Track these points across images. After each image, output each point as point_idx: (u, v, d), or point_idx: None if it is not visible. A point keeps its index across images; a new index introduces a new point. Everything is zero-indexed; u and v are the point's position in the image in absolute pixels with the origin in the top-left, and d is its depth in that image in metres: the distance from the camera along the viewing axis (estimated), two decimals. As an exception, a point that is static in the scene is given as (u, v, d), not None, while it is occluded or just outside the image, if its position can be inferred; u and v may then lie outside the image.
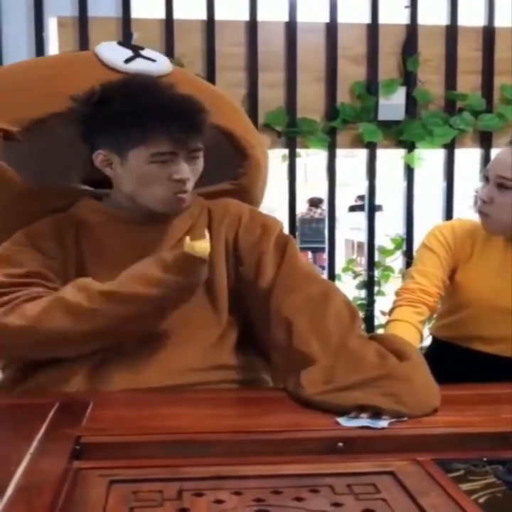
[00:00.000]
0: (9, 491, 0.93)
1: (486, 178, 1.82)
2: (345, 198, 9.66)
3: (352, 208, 9.40)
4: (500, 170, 1.77)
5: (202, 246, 1.37)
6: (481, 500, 1.00)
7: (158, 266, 1.39)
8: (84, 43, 3.02)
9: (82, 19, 3.04)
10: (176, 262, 1.38)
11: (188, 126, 1.44)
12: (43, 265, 1.50)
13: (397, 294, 1.92)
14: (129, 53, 1.68)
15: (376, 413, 1.24)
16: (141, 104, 1.43)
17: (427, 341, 2.07)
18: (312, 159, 9.03)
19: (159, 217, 1.56)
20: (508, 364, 1.80)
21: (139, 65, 1.63)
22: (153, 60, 1.70)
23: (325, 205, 3.58)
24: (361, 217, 3.46)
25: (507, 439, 1.18)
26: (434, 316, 1.98)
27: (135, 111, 1.43)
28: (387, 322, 1.88)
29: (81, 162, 1.67)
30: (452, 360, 1.89)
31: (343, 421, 1.23)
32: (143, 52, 1.71)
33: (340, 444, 1.15)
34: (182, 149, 1.45)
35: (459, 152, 3.35)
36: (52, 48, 3.07)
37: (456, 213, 3.46)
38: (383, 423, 1.21)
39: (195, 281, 1.43)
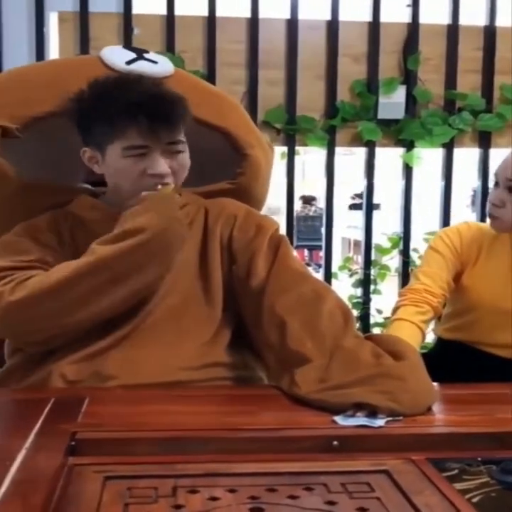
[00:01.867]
0: (4, 486, 0.93)
1: (495, 183, 1.84)
2: (342, 197, 9.68)
3: (350, 207, 9.42)
4: (510, 173, 1.79)
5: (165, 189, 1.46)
6: (475, 500, 1.00)
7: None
8: (84, 38, 3.02)
9: (83, 14, 3.04)
10: (146, 202, 1.44)
11: (159, 119, 1.44)
12: (46, 253, 1.52)
13: (401, 294, 1.94)
14: (132, 55, 1.70)
15: (372, 412, 1.24)
16: (111, 99, 1.45)
17: (430, 340, 2.08)
18: (309, 157, 9.04)
19: None
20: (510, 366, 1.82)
21: (140, 67, 1.64)
22: (155, 62, 1.71)
23: (320, 203, 3.59)
24: (358, 215, 3.46)
25: (501, 440, 1.19)
26: (440, 317, 1.99)
27: (106, 106, 1.45)
28: (391, 321, 1.89)
29: (82, 162, 1.69)
30: (459, 360, 1.91)
31: (339, 419, 1.23)
32: (146, 55, 1.73)
33: (336, 442, 1.16)
34: (155, 143, 1.46)
35: (457, 151, 3.36)
36: (53, 42, 3.07)
37: (454, 212, 3.47)
38: (380, 422, 1.22)
39: (168, 217, 1.44)
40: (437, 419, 1.28)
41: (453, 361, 1.92)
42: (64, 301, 1.41)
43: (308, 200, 9.99)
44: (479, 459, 1.13)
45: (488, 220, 1.90)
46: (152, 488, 0.99)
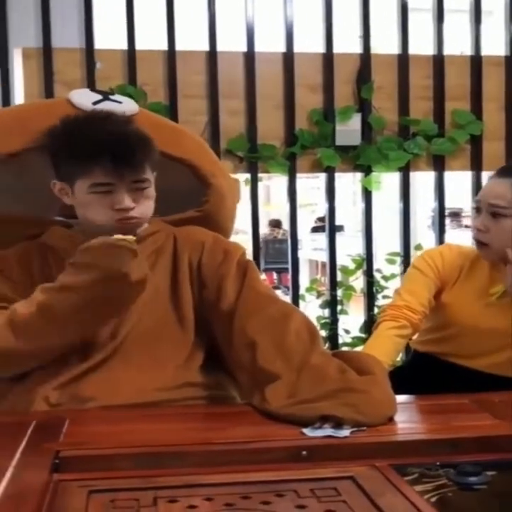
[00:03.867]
0: (-5, 502, 0.98)
1: (476, 209, 1.90)
2: (308, 218, 9.80)
3: (314, 229, 9.54)
4: (493, 199, 1.85)
5: (126, 238, 1.46)
6: (433, 500, 1.08)
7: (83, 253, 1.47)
8: (48, 73, 3.06)
9: (47, 50, 3.08)
10: (99, 247, 1.44)
11: (123, 160, 1.51)
12: (9, 289, 1.57)
13: (382, 310, 2.01)
14: (99, 97, 1.78)
15: (338, 423, 1.31)
16: (79, 137, 1.53)
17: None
18: (274, 181, 9.15)
19: None
20: (485, 379, 1.89)
21: (106, 106, 1.72)
22: (120, 102, 1.80)
23: (287, 226, 3.65)
24: (323, 237, 3.54)
25: (458, 445, 1.27)
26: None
27: (73, 144, 1.53)
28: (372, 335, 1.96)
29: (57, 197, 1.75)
30: (432, 373, 1.98)
31: (307, 431, 1.30)
32: (111, 97, 1.82)
33: (304, 452, 1.23)
34: (120, 181, 1.53)
35: (414, 175, 3.47)
36: (18, 78, 3.11)
37: (414, 233, 3.55)
38: (345, 432, 1.29)
39: (118, 267, 1.44)
40: (399, 428, 1.35)
41: (426, 373, 2.00)
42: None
43: (276, 224, 10.11)
44: (438, 463, 1.20)
45: (466, 242, 1.98)
46: (134, 499, 1.05)
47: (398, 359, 2.09)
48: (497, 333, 1.87)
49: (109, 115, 1.60)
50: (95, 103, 1.75)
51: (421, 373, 2.00)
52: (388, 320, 1.91)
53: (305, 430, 1.30)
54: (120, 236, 1.45)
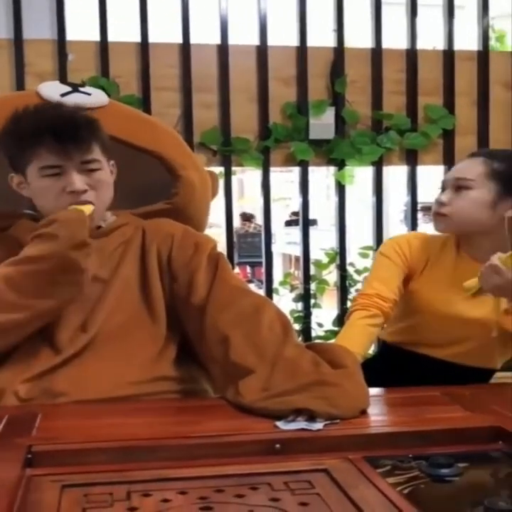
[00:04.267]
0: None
1: (442, 189, 1.93)
2: (282, 212, 9.83)
3: (288, 223, 9.56)
4: (459, 173, 1.89)
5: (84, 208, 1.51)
6: (406, 491, 1.09)
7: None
8: (20, 65, 3.03)
9: (18, 41, 3.05)
10: (53, 226, 1.47)
11: (67, 138, 1.52)
12: None
13: (354, 299, 2.00)
14: (68, 89, 1.77)
15: (311, 416, 1.32)
16: (22, 123, 1.54)
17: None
18: (248, 175, 9.15)
19: (90, 235, 1.63)
20: (452, 369, 1.92)
21: (73, 99, 1.71)
22: (89, 94, 1.78)
23: (259, 220, 3.65)
24: (297, 231, 3.55)
25: (430, 438, 1.28)
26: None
27: (17, 130, 1.54)
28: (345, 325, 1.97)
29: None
30: (401, 364, 2.00)
31: (281, 424, 1.30)
32: (81, 88, 1.81)
33: (278, 445, 1.23)
34: (68, 161, 1.53)
35: (387, 169, 3.48)
36: (-12, 69, 3.08)
37: (389, 227, 3.58)
38: (319, 425, 1.30)
39: (71, 243, 1.46)
40: (372, 421, 1.37)
41: (395, 364, 2.01)
42: None
43: (247, 218, 10.11)
44: (410, 455, 1.22)
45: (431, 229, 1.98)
46: (107, 493, 1.05)
47: (370, 351, 2.09)
48: (464, 321, 1.89)
49: (60, 104, 1.61)
50: (63, 95, 1.73)
51: (391, 365, 2.02)
52: (359, 309, 1.91)
53: (278, 423, 1.31)
54: (77, 206, 1.50)
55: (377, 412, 1.43)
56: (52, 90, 1.76)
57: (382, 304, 1.91)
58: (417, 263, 1.97)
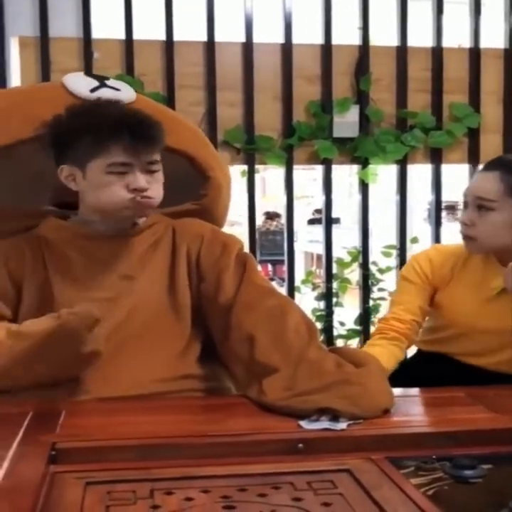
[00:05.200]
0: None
1: (464, 203, 1.89)
2: (304, 210, 9.80)
3: (311, 221, 9.53)
4: (479, 192, 1.83)
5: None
6: (430, 493, 1.08)
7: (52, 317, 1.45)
8: (45, 62, 3.05)
9: (44, 39, 3.07)
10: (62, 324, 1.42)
11: (141, 138, 1.52)
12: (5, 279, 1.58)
13: (377, 322, 2.02)
14: (95, 83, 1.76)
15: (335, 416, 1.32)
16: (97, 119, 1.53)
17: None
18: (270, 173, 9.13)
19: (123, 232, 1.63)
20: (491, 376, 1.87)
21: (104, 94, 1.70)
22: (118, 89, 1.77)
23: (283, 219, 3.64)
24: (319, 230, 3.54)
25: (453, 438, 1.28)
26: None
27: (91, 125, 1.52)
28: None
29: (50, 186, 1.73)
30: (437, 370, 1.96)
31: (304, 424, 1.31)
32: (108, 82, 1.79)
33: (301, 445, 1.24)
34: (136, 160, 1.53)
35: (411, 167, 3.46)
36: (14, 67, 3.10)
37: (410, 226, 3.56)
38: (342, 425, 1.30)
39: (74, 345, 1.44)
40: (395, 421, 1.36)
41: (430, 370, 1.98)
42: None
43: (272, 217, 10.08)
44: (434, 456, 1.21)
45: (455, 239, 1.95)
46: (130, 491, 1.05)
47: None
48: (495, 333, 1.86)
49: (117, 101, 1.62)
50: (93, 90, 1.73)
51: (426, 370, 1.98)
52: (377, 334, 1.93)
53: (302, 423, 1.31)
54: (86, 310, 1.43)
55: (401, 412, 1.42)
56: (79, 84, 1.75)
57: (399, 326, 1.90)
58: (440, 278, 1.95)
